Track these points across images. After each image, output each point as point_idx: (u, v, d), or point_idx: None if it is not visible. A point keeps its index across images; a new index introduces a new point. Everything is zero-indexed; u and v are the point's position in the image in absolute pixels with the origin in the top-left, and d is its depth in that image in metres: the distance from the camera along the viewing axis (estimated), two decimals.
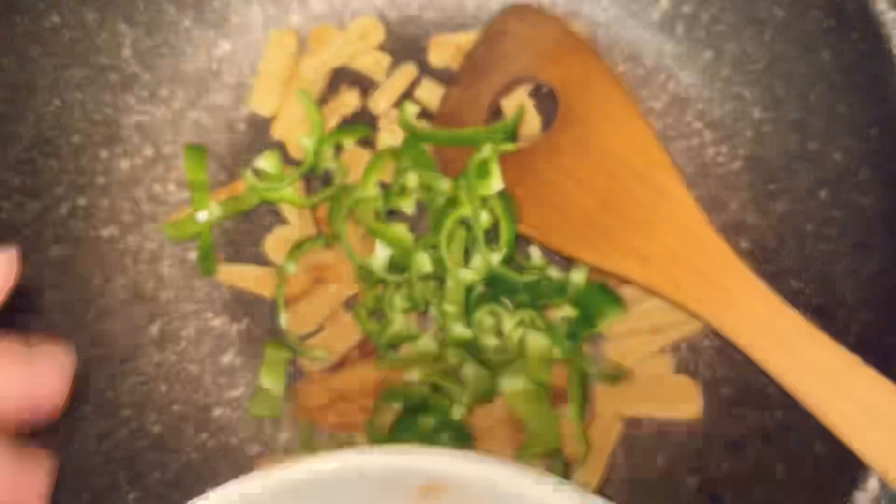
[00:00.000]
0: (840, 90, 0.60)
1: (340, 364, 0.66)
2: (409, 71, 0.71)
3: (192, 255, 0.69)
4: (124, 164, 0.69)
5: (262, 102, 0.71)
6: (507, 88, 0.69)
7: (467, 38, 0.71)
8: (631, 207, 0.59)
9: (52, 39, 0.64)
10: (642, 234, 0.58)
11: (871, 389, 0.51)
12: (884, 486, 0.51)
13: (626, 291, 0.66)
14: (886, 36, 0.56)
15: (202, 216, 0.68)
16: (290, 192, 0.68)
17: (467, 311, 0.64)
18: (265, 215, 0.70)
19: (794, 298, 0.64)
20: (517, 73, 0.68)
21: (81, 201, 0.67)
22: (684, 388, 0.65)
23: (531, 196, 0.64)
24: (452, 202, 0.64)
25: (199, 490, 0.65)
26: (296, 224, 0.69)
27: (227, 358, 0.68)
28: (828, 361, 0.53)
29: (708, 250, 0.58)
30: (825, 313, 0.61)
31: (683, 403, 0.64)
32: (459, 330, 0.64)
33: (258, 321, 0.68)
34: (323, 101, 0.71)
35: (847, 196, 0.61)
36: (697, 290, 0.57)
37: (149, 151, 0.70)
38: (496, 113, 0.70)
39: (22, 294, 0.62)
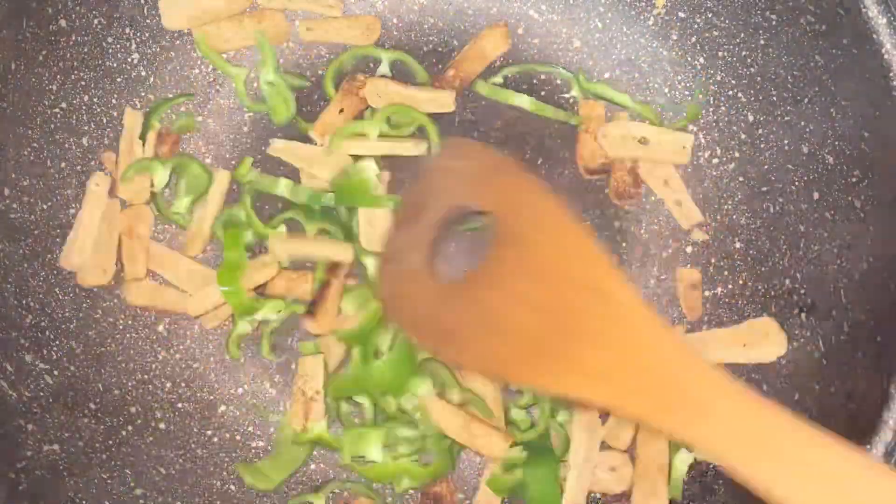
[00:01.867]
0: (832, 94, 0.61)
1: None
2: None
3: (199, 257, 0.70)
4: None
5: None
6: (445, 220, 0.64)
7: None
8: (579, 320, 0.52)
9: (60, 43, 0.64)
10: (594, 346, 0.51)
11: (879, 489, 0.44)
12: None
13: None
14: (877, 41, 0.57)
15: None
16: None
17: None
18: None
19: (788, 297, 0.65)
20: (452, 204, 0.63)
21: None
22: (767, 329, 0.64)
23: (475, 328, 0.57)
24: None
25: (204, 485, 0.66)
26: None
27: (231, 357, 0.69)
28: (830, 469, 0.44)
29: (670, 356, 0.49)
30: (818, 312, 0.62)
31: (768, 345, 0.64)
32: None
33: (263, 321, 0.69)
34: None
35: (839, 197, 0.61)
36: (664, 401, 0.48)
37: None
38: None
39: (32, 294, 0.63)
